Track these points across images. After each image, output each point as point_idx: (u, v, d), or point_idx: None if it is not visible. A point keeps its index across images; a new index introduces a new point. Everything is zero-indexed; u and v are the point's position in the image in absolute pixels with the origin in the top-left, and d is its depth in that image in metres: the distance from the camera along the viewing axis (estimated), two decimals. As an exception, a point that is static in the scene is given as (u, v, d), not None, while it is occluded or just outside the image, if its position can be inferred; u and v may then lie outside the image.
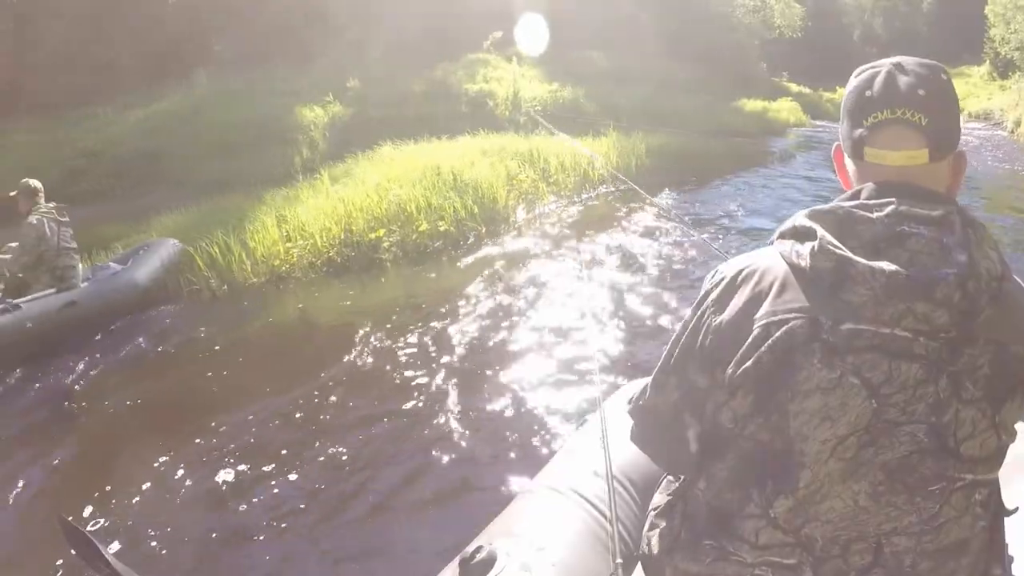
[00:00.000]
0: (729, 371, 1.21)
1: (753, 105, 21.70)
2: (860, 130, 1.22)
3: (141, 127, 13.74)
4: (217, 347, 5.66)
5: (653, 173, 11.49)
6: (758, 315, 1.19)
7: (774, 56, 33.19)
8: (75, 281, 6.38)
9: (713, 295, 1.29)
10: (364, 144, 11.66)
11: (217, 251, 7.05)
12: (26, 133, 15.23)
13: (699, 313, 1.30)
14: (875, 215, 1.15)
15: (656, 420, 1.41)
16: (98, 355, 5.74)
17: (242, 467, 3.83)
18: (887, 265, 1.08)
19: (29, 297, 6.01)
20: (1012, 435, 1.20)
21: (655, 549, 1.44)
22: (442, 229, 7.67)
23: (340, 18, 17.08)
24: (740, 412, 1.22)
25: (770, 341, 1.16)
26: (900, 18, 46.31)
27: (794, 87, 30.25)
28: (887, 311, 1.09)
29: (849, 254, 1.11)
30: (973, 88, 32.22)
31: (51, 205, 6.40)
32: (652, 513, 1.53)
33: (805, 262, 1.15)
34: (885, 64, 1.24)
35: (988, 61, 36.01)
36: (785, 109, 22.91)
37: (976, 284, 1.09)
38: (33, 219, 6.20)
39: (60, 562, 3.19)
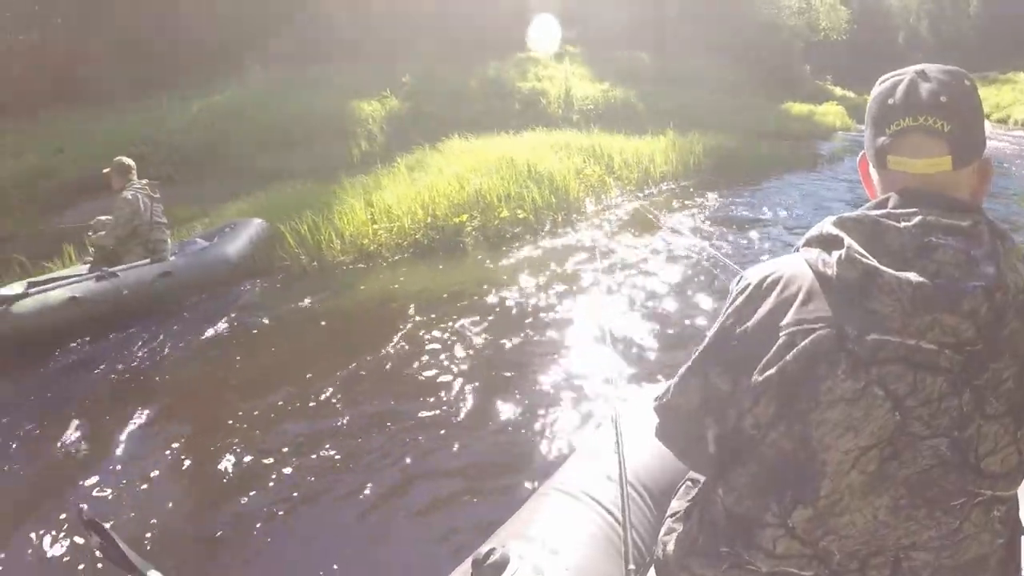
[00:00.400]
0: (753, 378, 1.23)
1: (799, 108, 21.96)
2: (883, 138, 1.25)
3: (200, 117, 14.23)
4: (302, 320, 6.08)
5: (709, 172, 11.97)
6: (783, 323, 1.21)
7: (818, 59, 33.33)
8: (165, 254, 6.83)
9: (738, 301, 1.31)
10: (422, 138, 12.18)
11: (306, 230, 7.57)
12: (88, 121, 15.98)
13: (724, 318, 1.33)
14: (902, 225, 1.16)
15: (677, 419, 1.44)
16: (189, 324, 6.18)
17: (266, 448, 3.96)
18: (914, 276, 1.10)
19: (125, 266, 6.46)
20: None
21: (671, 554, 1.48)
22: (521, 216, 8.19)
23: (389, 17, 17.65)
24: (762, 419, 1.23)
25: (795, 350, 1.17)
26: (946, 21, 46.09)
27: (838, 91, 30.37)
28: (913, 323, 1.11)
29: (876, 264, 1.12)
30: (1022, 95, 32.19)
31: (144, 182, 6.86)
32: (669, 519, 1.59)
33: (832, 271, 1.17)
34: (908, 72, 1.27)
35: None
36: (831, 113, 23.10)
37: (1003, 297, 1.10)
38: (128, 194, 6.65)
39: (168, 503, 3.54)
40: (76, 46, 19.32)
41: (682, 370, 1.39)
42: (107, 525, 1.37)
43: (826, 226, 1.23)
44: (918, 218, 1.15)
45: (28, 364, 5.60)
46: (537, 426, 4.00)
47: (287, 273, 7.37)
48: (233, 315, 6.36)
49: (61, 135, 15.49)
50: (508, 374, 4.72)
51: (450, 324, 5.62)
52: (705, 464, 1.41)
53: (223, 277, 7.09)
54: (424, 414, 4.22)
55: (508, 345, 5.20)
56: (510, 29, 18.40)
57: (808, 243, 1.26)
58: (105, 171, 7.02)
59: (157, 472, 3.83)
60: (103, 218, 6.94)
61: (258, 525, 3.33)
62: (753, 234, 7.92)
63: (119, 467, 3.90)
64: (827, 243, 1.21)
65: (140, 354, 5.64)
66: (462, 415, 4.21)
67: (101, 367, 5.49)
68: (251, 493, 3.56)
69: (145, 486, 3.71)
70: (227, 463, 3.84)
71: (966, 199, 1.22)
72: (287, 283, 7.19)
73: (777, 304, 1.23)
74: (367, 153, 12.87)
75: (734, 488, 1.29)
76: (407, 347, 5.23)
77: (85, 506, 2.09)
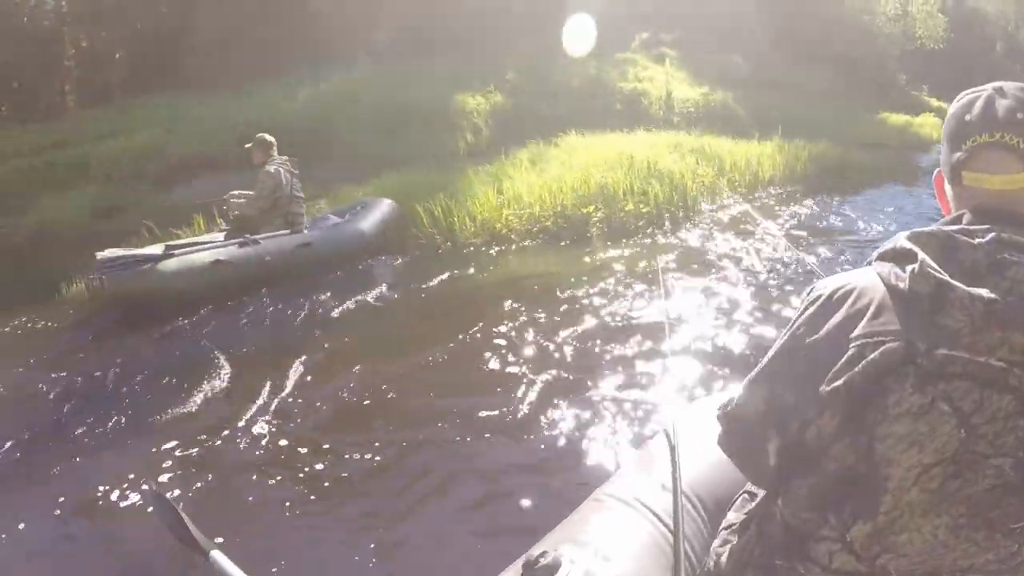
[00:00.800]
0: (820, 389, 1.23)
1: (895, 119, 21.86)
2: (958, 154, 1.27)
3: (309, 105, 15.02)
4: (429, 298, 6.62)
5: (814, 179, 12.28)
6: (853, 335, 1.22)
7: (913, 68, 33.02)
8: (302, 227, 7.51)
9: (808, 312, 1.33)
10: (525, 134, 12.79)
11: (440, 212, 8.21)
12: (193, 106, 16.95)
13: (794, 329, 1.34)
14: (976, 241, 1.17)
15: (741, 428, 1.45)
16: (325, 293, 6.74)
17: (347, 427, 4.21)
18: (986, 292, 1.11)
19: (268, 235, 7.12)
20: None
21: (724, 565, 1.50)
22: (644, 211, 8.70)
23: (490, 14, 18.27)
24: (826, 431, 1.23)
25: (864, 362, 1.18)
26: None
27: (934, 101, 30.02)
28: (983, 339, 1.12)
29: (948, 279, 1.13)
30: None
31: (284, 158, 7.51)
32: (724, 531, 1.62)
33: (904, 284, 1.18)
34: (986, 88, 1.31)
35: None
36: (928, 124, 22.84)
37: None
38: (271, 168, 7.31)
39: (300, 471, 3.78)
40: (179, 35, 20.40)
41: (748, 379, 1.42)
42: (179, 504, 1.54)
43: (900, 240, 1.25)
44: (991, 235, 1.17)
45: (169, 321, 6.24)
46: (596, 429, 3.98)
47: (421, 251, 8.05)
48: (366, 288, 6.91)
49: (167, 119, 16.52)
50: (586, 369, 4.73)
51: (553, 311, 5.87)
52: (765, 476, 1.42)
53: (357, 252, 7.75)
54: (495, 407, 4.27)
55: (593, 340, 5.24)
56: (608, 30, 18.86)
57: (881, 257, 1.28)
58: (247, 146, 7.72)
59: (257, 436, 4.12)
60: (237, 192, 7.63)
61: (313, 506, 3.45)
62: (850, 245, 8.18)
63: (234, 426, 4.22)
64: (900, 257, 1.23)
65: (276, 319, 6.23)
66: (528, 410, 4.25)
67: (239, 329, 6.10)
68: (319, 467, 3.75)
69: (244, 446, 4.02)
70: (313, 436, 4.10)
71: None
72: (420, 260, 7.84)
73: (848, 316, 1.25)
74: (472, 145, 13.59)
75: (792, 500, 1.30)
76: (505, 333, 5.42)
77: (152, 485, 2.53)
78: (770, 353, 1.39)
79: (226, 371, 5.07)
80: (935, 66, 34.96)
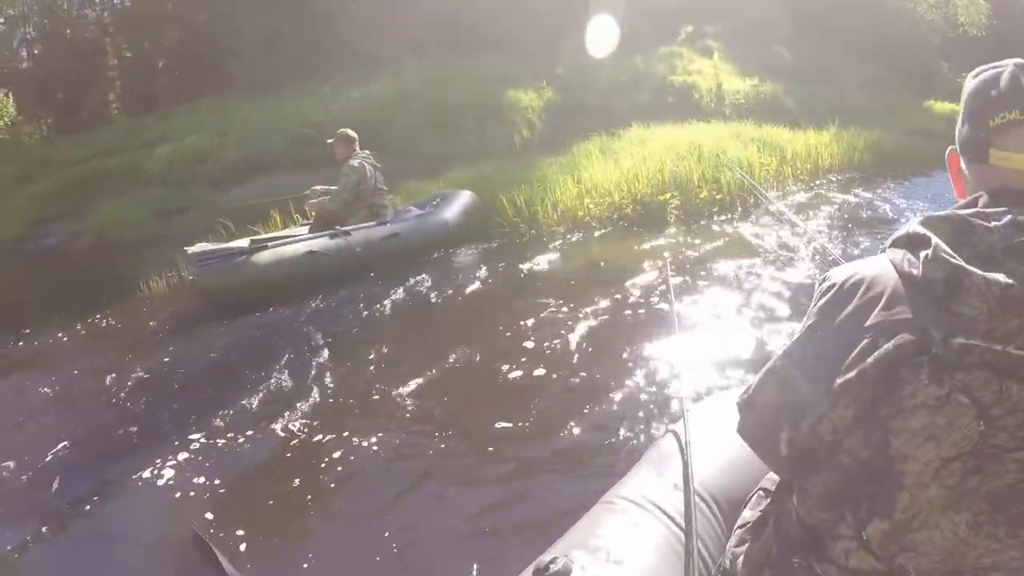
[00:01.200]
0: (833, 381, 1.23)
1: (941, 107, 22.04)
2: (985, 131, 1.26)
3: (362, 104, 15.47)
4: (511, 285, 6.86)
5: (871, 167, 12.54)
6: (867, 325, 1.21)
7: (955, 55, 33.03)
8: (386, 218, 7.88)
9: (821, 303, 1.32)
10: (580, 127, 13.19)
11: (522, 202, 8.63)
12: (242, 109, 17.49)
13: (807, 319, 1.35)
14: (992, 224, 1.15)
15: (756, 416, 1.45)
16: (414, 282, 7.03)
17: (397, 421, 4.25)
18: (1003, 278, 1.09)
19: (357, 226, 7.48)
20: None
21: (740, 565, 1.48)
22: (718, 198, 9.10)
23: (538, 11, 18.68)
24: (840, 425, 1.22)
25: (877, 353, 1.17)
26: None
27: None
28: (1001, 327, 1.10)
29: (963, 264, 1.11)
30: None
31: (366, 152, 7.90)
32: (739, 529, 1.60)
33: (917, 271, 1.17)
34: (1008, 64, 1.29)
35: None
36: (975, 113, 23.09)
37: None
38: (355, 162, 7.70)
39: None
40: (221, 40, 20.96)
41: (765, 368, 1.42)
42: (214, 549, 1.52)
43: (913, 226, 1.23)
44: (1008, 217, 1.15)
45: (263, 311, 6.51)
46: (610, 428, 3.95)
47: (506, 239, 8.44)
48: (452, 276, 7.26)
49: (217, 123, 17.04)
50: (606, 364, 4.76)
51: (613, 299, 6.00)
52: (781, 467, 1.42)
53: (442, 241, 8.12)
54: (523, 404, 4.29)
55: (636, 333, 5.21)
56: (654, 24, 19.19)
57: (895, 244, 1.27)
58: (329, 141, 8.13)
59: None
60: (320, 187, 8.03)
61: (338, 499, 3.55)
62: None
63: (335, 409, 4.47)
64: (914, 243, 1.21)
65: (368, 308, 6.47)
66: (553, 405, 4.25)
67: (332, 317, 6.35)
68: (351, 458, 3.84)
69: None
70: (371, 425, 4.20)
71: None
72: (504, 249, 8.22)
73: (860, 306, 1.24)
74: (527, 140, 13.98)
75: (808, 497, 1.28)
76: (561, 322, 5.56)
77: (195, 526, 2.48)
78: (789, 344, 1.39)
79: (326, 359, 5.28)
80: (978, 53, 34.78)
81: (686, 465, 1.96)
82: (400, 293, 6.78)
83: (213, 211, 10.99)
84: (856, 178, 11.82)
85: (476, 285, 6.92)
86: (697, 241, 7.87)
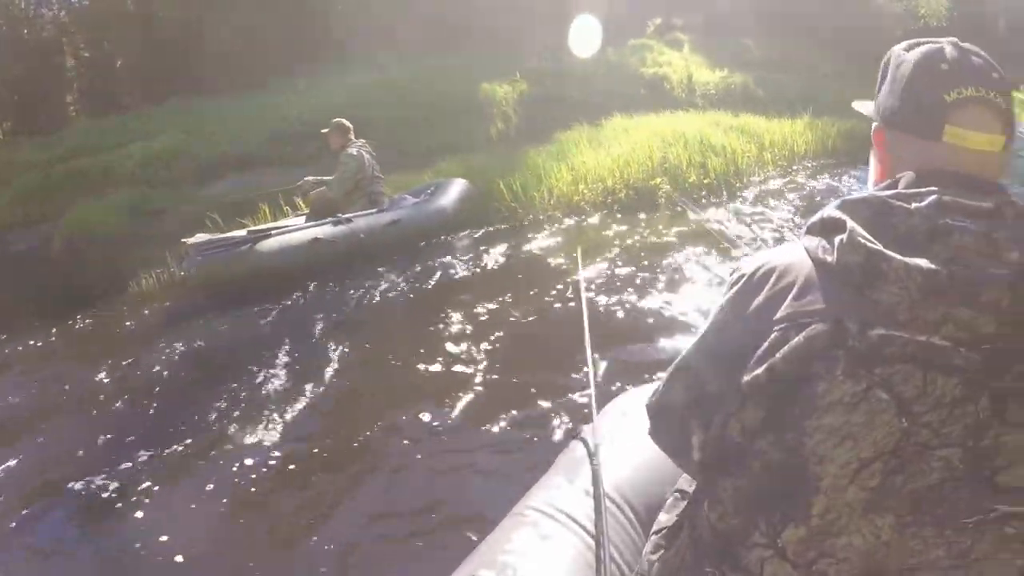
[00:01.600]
0: (741, 379, 1.19)
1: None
2: (938, 106, 1.21)
3: (336, 100, 15.64)
4: (501, 268, 7.28)
5: (843, 154, 13.01)
6: (776, 317, 1.17)
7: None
8: (384, 206, 8.20)
9: (730, 294, 1.29)
10: (555, 118, 13.69)
11: (519, 187, 9.11)
12: (220, 108, 17.62)
13: (717, 312, 1.31)
14: (914, 206, 1.12)
15: (666, 419, 1.41)
16: (416, 267, 7.41)
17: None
18: (924, 262, 1.05)
19: (358, 213, 7.77)
20: None
21: (655, 573, 1.45)
22: (706, 182, 9.66)
23: (513, 6, 19.12)
24: (750, 426, 1.19)
25: (787, 347, 1.13)
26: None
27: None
28: (924, 316, 1.05)
29: (881, 248, 1.08)
30: None
31: (362, 141, 8.20)
32: (655, 535, 1.56)
33: (832, 257, 1.13)
34: (943, 40, 1.27)
35: None
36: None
37: None
38: (352, 150, 8.00)
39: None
40: (189, 39, 21.06)
41: (672, 366, 1.39)
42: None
43: (829, 210, 1.20)
44: (933, 198, 1.12)
45: (268, 299, 6.63)
46: (524, 435, 4.02)
47: (504, 223, 8.89)
48: (454, 260, 7.59)
49: (187, 122, 17.12)
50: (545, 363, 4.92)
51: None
52: (694, 472, 1.39)
53: (440, 228, 8.47)
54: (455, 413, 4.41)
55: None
56: (623, 17, 19.69)
57: (809, 230, 1.23)
58: (323, 131, 8.37)
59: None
60: (310, 179, 8.33)
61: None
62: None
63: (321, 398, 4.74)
64: (829, 228, 1.18)
65: (374, 293, 6.73)
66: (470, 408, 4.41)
67: (339, 303, 6.61)
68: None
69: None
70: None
71: (994, 180, 1.21)
72: (502, 233, 8.64)
73: (770, 296, 1.20)
74: (503, 132, 14.40)
75: (719, 502, 1.25)
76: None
77: None
78: (697, 340, 1.36)
79: (335, 348, 5.51)
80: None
81: (595, 472, 1.94)
82: (403, 281, 7.07)
83: (194, 208, 11.19)
84: (829, 164, 12.40)
85: (472, 270, 7.28)
86: (646, 231, 8.26)
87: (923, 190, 1.14)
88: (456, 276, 7.13)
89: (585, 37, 18.27)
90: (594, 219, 8.96)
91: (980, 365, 1.05)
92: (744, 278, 1.27)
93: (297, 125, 14.31)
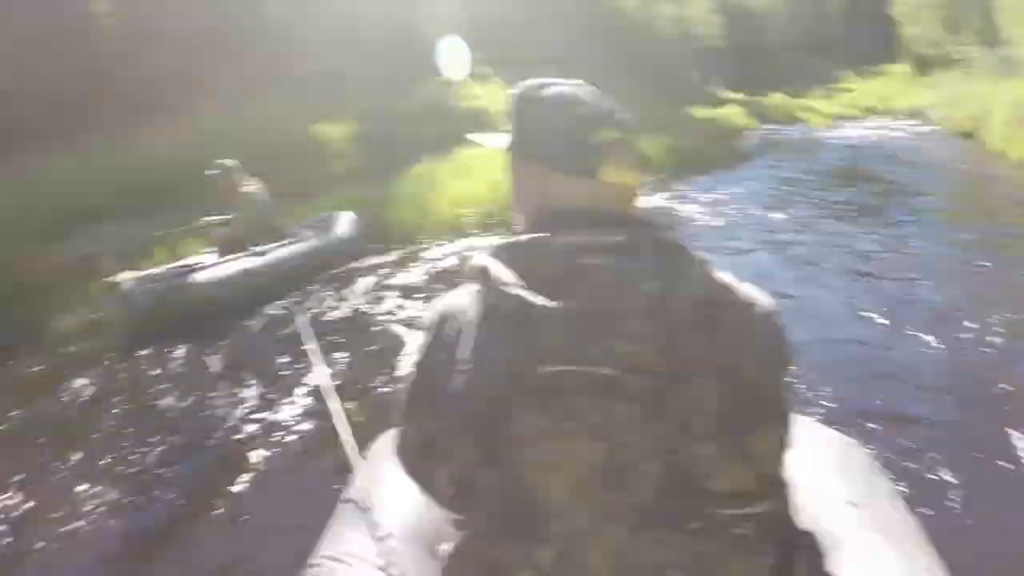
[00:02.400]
0: (448, 422, 1.27)
1: (703, 112, 25.05)
2: (590, 147, 1.31)
3: (170, 153, 15.47)
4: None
5: (670, 169, 14.67)
6: (458, 359, 1.24)
7: (707, 66, 36.75)
8: (284, 240, 8.55)
9: (424, 339, 1.37)
10: (393, 156, 14.33)
11: (407, 216, 10.22)
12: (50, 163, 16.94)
13: (416, 355, 1.38)
14: (551, 247, 1.23)
15: (412, 463, 1.47)
16: (329, 293, 8.07)
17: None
18: (568, 304, 1.15)
19: (271, 246, 8.19)
20: (773, 463, 1.26)
21: None
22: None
23: (326, 44, 19.74)
24: (469, 463, 1.25)
25: (475, 390, 1.21)
26: (814, 20, 51.62)
27: (730, 94, 33.52)
28: (586, 351, 1.15)
29: (524, 294, 1.17)
30: (900, 87, 36.83)
31: (255, 178, 8.59)
32: (443, 568, 1.57)
33: (492, 302, 1.22)
34: (565, 81, 1.39)
35: (906, 60, 40.80)
36: (734, 115, 26.37)
37: (676, 313, 1.16)
38: (248, 189, 8.39)
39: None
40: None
41: (397, 412, 1.43)
42: None
43: (481, 256, 1.28)
44: (568, 238, 1.22)
45: (201, 332, 6.69)
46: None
47: (396, 249, 9.72)
48: (361, 287, 8.25)
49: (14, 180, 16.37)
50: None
51: None
52: (454, 508, 1.40)
53: (346, 257, 9.11)
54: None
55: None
56: (424, 55, 20.71)
57: (469, 274, 1.30)
58: (207, 173, 8.45)
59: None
60: (213, 218, 8.52)
61: None
62: (705, 230, 10.48)
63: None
64: (483, 274, 1.25)
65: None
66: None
67: (268, 332, 6.91)
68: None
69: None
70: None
71: (624, 213, 1.33)
72: (396, 259, 9.41)
73: (449, 342, 1.28)
74: (344, 172, 14.77)
75: (482, 533, 1.30)
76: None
77: None
78: (408, 385, 1.41)
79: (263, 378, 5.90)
80: (726, 63, 39.03)
81: (370, 517, 1.98)
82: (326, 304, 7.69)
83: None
84: (660, 180, 13.88)
85: (373, 296, 7.99)
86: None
87: (560, 230, 1.25)
88: (359, 304, 7.74)
89: (455, 58, 19.42)
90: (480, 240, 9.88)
91: (653, 389, 1.16)
92: (433, 323, 1.36)
93: (134, 176, 14.12)
